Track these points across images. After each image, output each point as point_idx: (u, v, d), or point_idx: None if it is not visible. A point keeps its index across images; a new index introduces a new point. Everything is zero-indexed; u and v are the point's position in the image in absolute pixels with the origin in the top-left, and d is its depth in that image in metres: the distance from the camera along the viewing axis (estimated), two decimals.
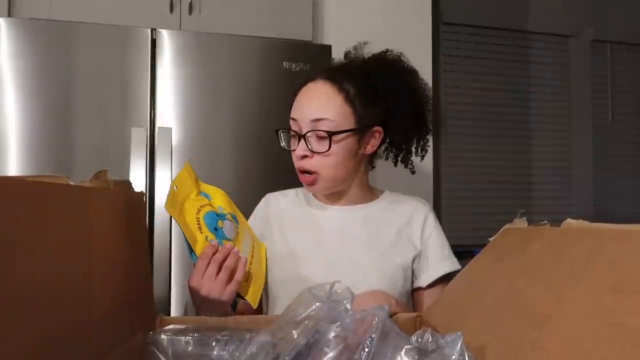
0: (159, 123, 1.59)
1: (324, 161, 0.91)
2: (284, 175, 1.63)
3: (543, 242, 0.56)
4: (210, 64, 1.65)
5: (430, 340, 0.46)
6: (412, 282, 0.98)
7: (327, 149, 0.90)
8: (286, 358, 0.45)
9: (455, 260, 0.99)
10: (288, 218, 1.01)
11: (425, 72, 1.09)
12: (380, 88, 0.95)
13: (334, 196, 1.00)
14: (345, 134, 0.91)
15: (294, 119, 0.93)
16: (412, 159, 1.05)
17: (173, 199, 0.81)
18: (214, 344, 0.55)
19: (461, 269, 0.98)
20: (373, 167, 1.05)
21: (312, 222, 0.99)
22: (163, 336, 0.56)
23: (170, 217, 1.56)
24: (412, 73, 1.02)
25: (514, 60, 2.85)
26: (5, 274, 0.33)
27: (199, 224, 0.82)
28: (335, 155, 0.91)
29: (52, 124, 1.53)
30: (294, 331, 0.47)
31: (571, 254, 0.49)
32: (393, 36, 2.07)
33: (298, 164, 0.93)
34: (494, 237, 0.68)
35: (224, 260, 0.80)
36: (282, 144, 0.99)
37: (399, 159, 1.04)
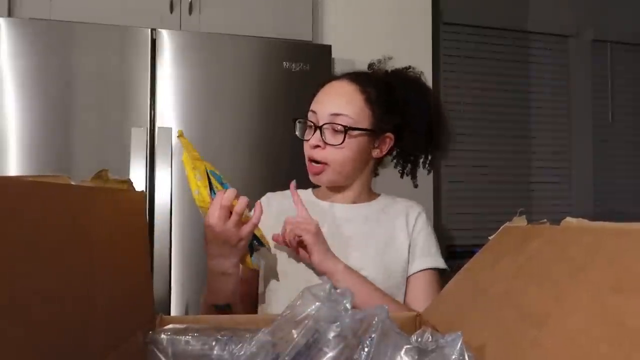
0: (159, 123, 1.59)
1: (335, 153, 0.95)
2: (284, 174, 1.63)
3: (542, 240, 0.56)
4: (210, 64, 1.65)
5: (430, 339, 0.46)
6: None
7: (341, 142, 0.94)
8: (286, 358, 0.45)
9: (441, 259, 1.01)
10: (289, 213, 1.03)
11: (425, 72, 1.10)
12: (400, 99, 1.00)
13: (335, 194, 1.03)
14: (360, 131, 0.95)
15: (313, 111, 0.98)
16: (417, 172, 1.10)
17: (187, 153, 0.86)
18: (214, 343, 0.55)
19: (447, 269, 1.00)
20: (377, 175, 1.09)
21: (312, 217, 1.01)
22: (163, 336, 0.56)
23: (170, 216, 1.56)
24: (430, 92, 1.08)
25: (514, 60, 2.85)
26: (5, 274, 0.33)
27: (208, 177, 0.87)
28: (347, 149, 0.95)
29: (52, 124, 1.53)
30: (293, 331, 0.47)
31: (571, 253, 0.49)
32: (393, 36, 2.08)
33: (309, 152, 0.97)
34: (493, 235, 0.69)
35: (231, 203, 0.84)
36: (296, 133, 1.02)
37: (406, 171, 1.09)
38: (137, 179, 1.53)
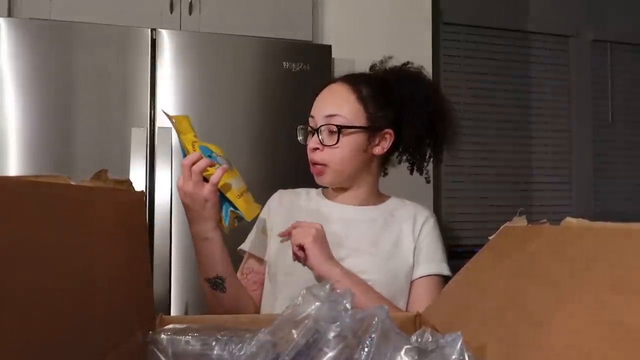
0: (159, 123, 1.59)
1: (332, 153, 0.97)
2: (284, 174, 1.64)
3: (543, 240, 0.56)
4: (210, 64, 1.65)
5: (430, 340, 0.46)
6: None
7: (336, 142, 0.96)
8: (286, 358, 0.45)
9: (445, 266, 1.00)
10: (298, 211, 1.05)
11: (425, 72, 1.10)
12: (395, 93, 1.00)
13: (343, 195, 1.04)
14: (354, 129, 0.96)
15: (311, 116, 1.01)
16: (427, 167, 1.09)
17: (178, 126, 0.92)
18: (213, 343, 0.55)
19: (451, 276, 0.99)
20: (385, 174, 1.09)
21: (320, 217, 1.02)
22: (163, 336, 0.56)
23: (170, 216, 1.56)
24: (431, 85, 1.08)
25: (514, 60, 2.85)
26: (5, 273, 0.33)
27: (193, 148, 0.90)
28: (343, 148, 0.96)
29: (52, 124, 1.53)
30: (293, 331, 0.47)
31: (571, 253, 0.49)
32: (393, 36, 2.08)
33: (310, 155, 1.00)
34: (494, 235, 0.68)
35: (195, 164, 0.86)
36: (299, 139, 1.05)
37: (414, 167, 1.08)
38: (137, 179, 1.53)
